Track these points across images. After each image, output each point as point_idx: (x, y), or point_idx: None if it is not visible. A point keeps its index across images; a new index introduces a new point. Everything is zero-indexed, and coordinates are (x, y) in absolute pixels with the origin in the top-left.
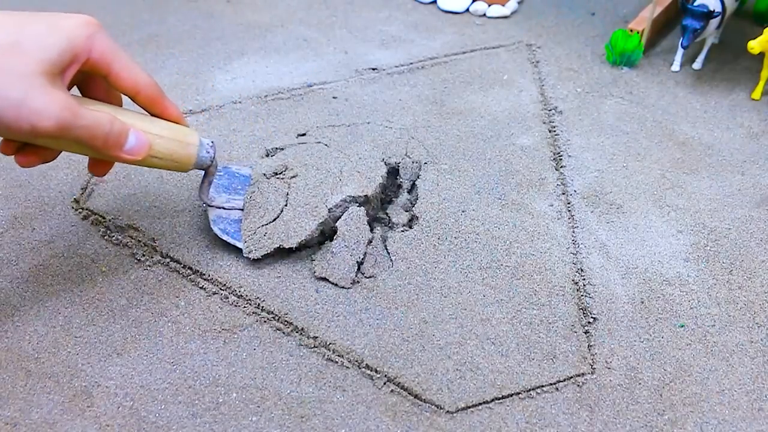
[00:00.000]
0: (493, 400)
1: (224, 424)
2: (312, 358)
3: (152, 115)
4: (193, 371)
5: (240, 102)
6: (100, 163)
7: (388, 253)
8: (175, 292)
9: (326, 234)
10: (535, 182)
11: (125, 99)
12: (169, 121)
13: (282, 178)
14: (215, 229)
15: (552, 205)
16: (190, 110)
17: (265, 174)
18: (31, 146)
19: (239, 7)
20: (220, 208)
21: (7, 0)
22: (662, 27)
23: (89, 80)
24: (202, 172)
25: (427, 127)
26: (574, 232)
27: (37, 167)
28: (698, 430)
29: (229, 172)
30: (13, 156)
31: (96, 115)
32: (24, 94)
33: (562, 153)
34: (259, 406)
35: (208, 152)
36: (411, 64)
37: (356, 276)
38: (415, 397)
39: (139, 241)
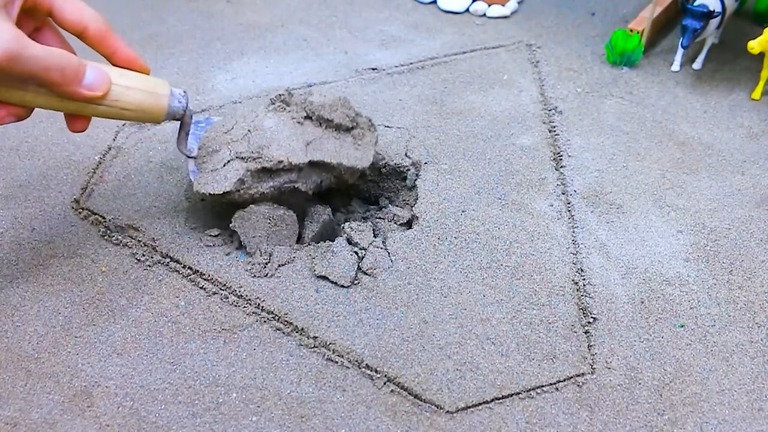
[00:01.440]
0: (493, 400)
1: (224, 424)
2: (312, 358)
3: (103, 55)
4: (193, 371)
5: (240, 102)
6: (76, 119)
7: (388, 253)
8: (175, 292)
9: (331, 231)
10: (535, 182)
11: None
12: (123, 62)
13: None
14: (193, 179)
15: (552, 205)
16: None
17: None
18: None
19: (239, 7)
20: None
21: None
22: (662, 27)
23: (40, 32)
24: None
25: (427, 127)
26: (574, 232)
27: (37, 167)
28: (698, 430)
29: (209, 122)
30: None
31: (48, 48)
32: None
33: (562, 153)
34: (259, 406)
35: (180, 102)
36: (411, 64)
37: (356, 275)
38: (415, 397)
39: (139, 241)
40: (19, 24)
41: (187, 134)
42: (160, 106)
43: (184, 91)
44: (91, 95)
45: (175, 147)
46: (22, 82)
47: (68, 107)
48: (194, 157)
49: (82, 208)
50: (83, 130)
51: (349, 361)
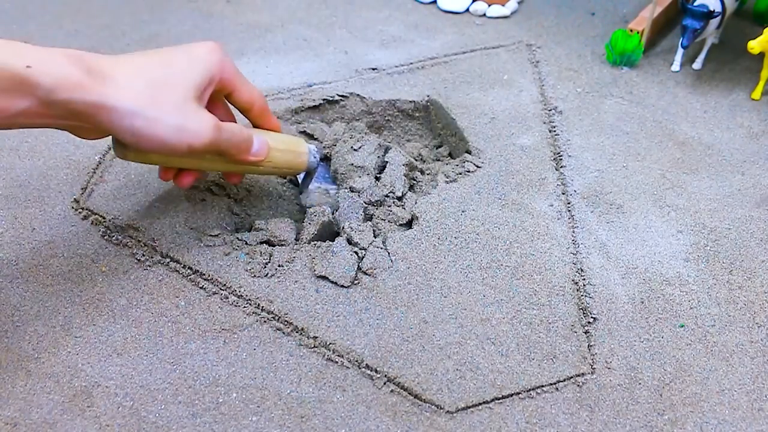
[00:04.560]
0: (493, 400)
1: (224, 424)
2: (312, 358)
3: (256, 125)
4: (193, 371)
5: None
6: (233, 174)
7: (388, 253)
8: (175, 292)
9: (329, 233)
10: (535, 182)
11: None
12: (271, 130)
13: None
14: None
15: (552, 205)
16: None
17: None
18: (185, 170)
19: (239, 7)
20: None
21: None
22: (662, 27)
23: (214, 106)
24: None
25: None
26: (574, 232)
27: (37, 167)
28: (698, 430)
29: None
30: (172, 180)
31: (230, 127)
32: (182, 120)
33: (562, 153)
34: (259, 406)
35: (315, 157)
36: (411, 64)
37: (356, 275)
38: (415, 397)
39: (139, 241)
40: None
41: (311, 181)
42: (302, 163)
43: (316, 147)
44: (256, 160)
45: None
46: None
47: (231, 168)
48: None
49: (82, 208)
50: (239, 183)
51: (349, 361)
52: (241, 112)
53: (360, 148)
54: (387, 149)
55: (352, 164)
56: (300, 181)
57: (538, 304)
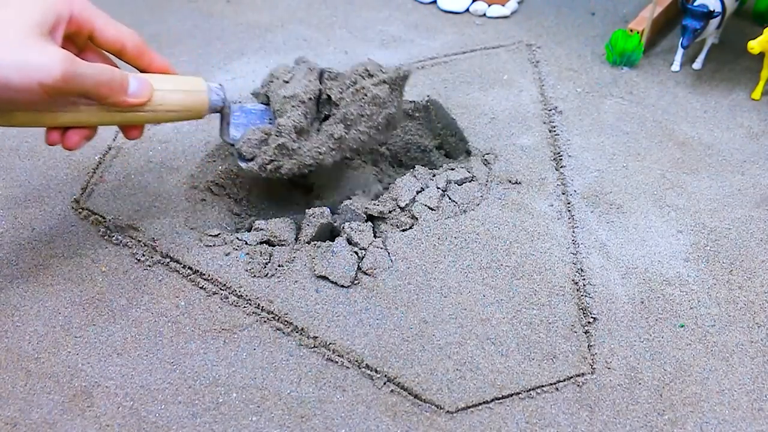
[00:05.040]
0: (493, 400)
1: (224, 424)
2: (312, 358)
3: (140, 69)
4: (193, 371)
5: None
6: (130, 127)
7: (388, 253)
8: (175, 292)
9: (327, 234)
10: (535, 182)
11: None
12: (159, 71)
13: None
14: (242, 165)
15: (552, 205)
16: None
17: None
18: (71, 127)
19: (239, 7)
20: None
21: None
22: (662, 27)
23: (84, 54)
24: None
25: None
26: (574, 232)
27: (37, 167)
28: (698, 430)
29: (244, 109)
30: (60, 144)
31: (94, 64)
32: (23, 56)
33: (562, 153)
34: (259, 406)
35: (218, 95)
36: (411, 64)
37: (356, 275)
38: (415, 397)
39: (139, 241)
40: (64, 48)
41: (228, 124)
42: (201, 102)
43: (220, 84)
44: (137, 102)
45: (175, 147)
46: (73, 102)
47: (118, 119)
48: (233, 144)
49: (82, 208)
50: (139, 137)
51: (349, 361)
52: (115, 56)
53: (291, 78)
54: (321, 73)
55: (285, 96)
56: (219, 128)
57: (538, 304)
